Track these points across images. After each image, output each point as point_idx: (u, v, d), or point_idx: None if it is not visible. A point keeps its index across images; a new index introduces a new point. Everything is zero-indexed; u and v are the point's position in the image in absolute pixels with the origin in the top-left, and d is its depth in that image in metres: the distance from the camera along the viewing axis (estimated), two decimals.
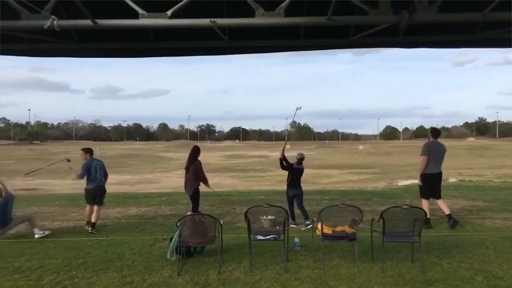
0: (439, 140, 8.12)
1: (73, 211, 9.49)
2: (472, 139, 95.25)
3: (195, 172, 8.01)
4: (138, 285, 4.82)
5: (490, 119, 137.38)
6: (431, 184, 7.77)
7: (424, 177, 7.82)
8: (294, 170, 8.12)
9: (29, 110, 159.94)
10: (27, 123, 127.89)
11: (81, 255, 6.11)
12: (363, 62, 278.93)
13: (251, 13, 5.33)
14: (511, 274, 5.00)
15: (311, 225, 7.40)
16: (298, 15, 5.74)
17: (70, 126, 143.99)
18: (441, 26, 6.85)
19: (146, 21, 5.38)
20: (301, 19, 5.80)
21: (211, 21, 5.30)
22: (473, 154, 40.39)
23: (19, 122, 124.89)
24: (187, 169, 8.12)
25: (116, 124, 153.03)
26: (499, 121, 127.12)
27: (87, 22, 5.30)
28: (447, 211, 7.75)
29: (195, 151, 8.25)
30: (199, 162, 8.14)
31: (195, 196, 8.08)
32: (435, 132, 8.14)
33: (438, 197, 7.85)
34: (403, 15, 5.20)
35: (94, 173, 7.93)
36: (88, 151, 8.11)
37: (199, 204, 8.31)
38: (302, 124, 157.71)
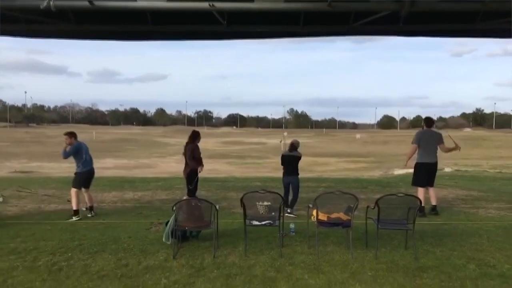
0: (435, 129, 8.15)
1: (69, 194, 9.47)
2: (469, 129, 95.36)
3: (186, 155, 8.06)
4: (133, 268, 4.86)
5: (487, 110, 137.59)
6: (423, 173, 7.84)
7: (417, 165, 7.90)
8: (286, 158, 8.08)
9: (26, 92, 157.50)
10: (24, 105, 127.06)
11: (77, 237, 6.14)
12: (362, 50, 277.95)
13: None
14: (503, 262, 5.07)
15: (291, 215, 7.55)
16: (298, 1, 5.68)
17: (67, 109, 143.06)
18: (441, 15, 6.80)
19: (144, 3, 5.33)
20: (301, 5, 5.76)
21: (210, 5, 5.26)
22: (469, 145, 40.48)
23: (16, 105, 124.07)
24: (184, 153, 8.15)
25: (113, 108, 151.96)
26: (496, 112, 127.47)
27: (84, 3, 5.25)
28: (433, 202, 7.85)
29: (192, 136, 8.24)
30: (191, 146, 8.10)
31: (188, 180, 8.10)
32: (428, 121, 8.18)
33: (430, 184, 7.92)
34: (404, 2, 5.17)
35: (86, 155, 7.70)
36: (73, 135, 7.69)
37: (197, 189, 8.32)
38: (299, 112, 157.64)
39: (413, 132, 8.55)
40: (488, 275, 4.65)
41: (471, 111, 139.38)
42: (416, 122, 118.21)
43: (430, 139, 7.88)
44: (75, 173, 7.75)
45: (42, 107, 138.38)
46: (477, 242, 5.92)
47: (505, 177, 15.19)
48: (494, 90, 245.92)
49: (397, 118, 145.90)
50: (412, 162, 8.10)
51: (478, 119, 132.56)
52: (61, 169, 17.78)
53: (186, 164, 8.08)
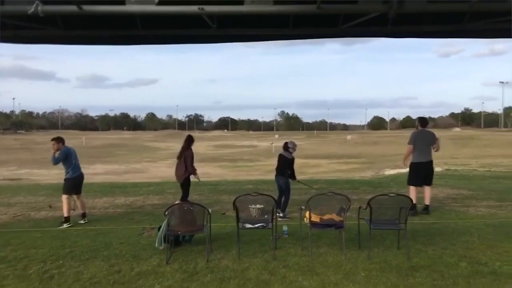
0: (428, 128, 8.25)
1: (59, 201, 9.38)
2: (457, 129, 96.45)
3: (186, 161, 8.03)
4: (126, 274, 4.81)
5: (475, 110, 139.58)
6: (419, 173, 7.92)
7: (413, 165, 7.98)
8: (278, 157, 8.11)
9: (14, 99, 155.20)
10: (12, 112, 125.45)
11: (68, 244, 6.06)
12: (351, 52, 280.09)
13: (240, 1, 5.28)
14: (494, 260, 5.12)
15: (282, 218, 7.48)
16: (287, 3, 5.70)
17: (56, 115, 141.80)
18: (429, 16, 6.88)
19: (133, 7, 5.31)
20: (290, 7, 5.77)
21: (199, 8, 5.25)
22: (458, 144, 40.96)
23: (3, 111, 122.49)
24: (180, 157, 8.14)
25: (103, 113, 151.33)
26: (484, 112, 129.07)
27: (73, 7, 5.21)
28: (427, 201, 7.94)
29: (189, 140, 8.26)
30: (191, 152, 8.17)
31: (185, 184, 8.10)
32: (423, 121, 8.25)
33: (428, 183, 7.98)
34: (392, 4, 5.21)
35: (75, 161, 7.59)
36: (61, 140, 7.57)
37: (189, 193, 8.32)
38: (290, 114, 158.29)
39: (404, 133, 8.68)
40: (479, 273, 4.70)
41: (459, 111, 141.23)
42: (406, 122, 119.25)
43: (425, 139, 7.98)
44: (65, 180, 7.63)
45: (30, 113, 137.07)
46: (468, 240, 5.98)
47: (494, 175, 15.38)
48: (482, 89, 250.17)
49: (387, 119, 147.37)
50: (409, 162, 8.17)
51: (467, 118, 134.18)
52: (50, 176, 17.60)
53: (186, 169, 8.05)
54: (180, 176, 8.09)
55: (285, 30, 7.17)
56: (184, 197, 8.07)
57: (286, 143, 8.12)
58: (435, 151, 8.11)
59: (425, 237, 6.12)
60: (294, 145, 8.10)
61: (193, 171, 8.16)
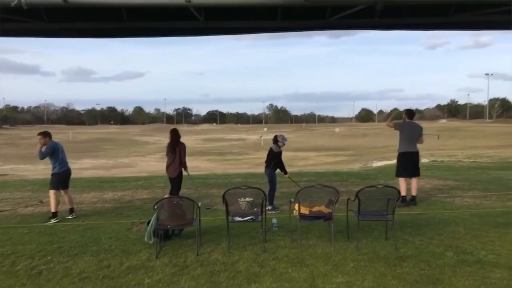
0: (416, 121, 8.34)
1: (46, 196, 9.27)
2: (444, 121, 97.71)
3: (180, 154, 7.98)
4: (115, 269, 4.79)
5: (461, 101, 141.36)
6: (407, 163, 8.00)
7: (400, 156, 8.06)
8: (268, 150, 8.13)
9: None
10: None
11: (56, 240, 6.01)
12: (338, 45, 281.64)
13: None
14: (480, 249, 5.22)
15: (271, 210, 7.49)
16: None
17: (42, 109, 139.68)
18: (416, 9, 6.92)
19: None
20: (278, 0, 5.74)
21: (186, 0, 5.18)
22: (444, 136, 41.49)
23: None
24: (173, 151, 8.04)
25: (89, 107, 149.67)
26: (470, 103, 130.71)
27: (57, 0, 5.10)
28: (414, 193, 8.03)
29: (177, 133, 8.18)
30: (184, 145, 8.12)
31: (178, 179, 8.05)
32: (410, 114, 8.32)
33: (415, 174, 8.07)
34: None
35: (62, 155, 7.53)
36: (48, 134, 7.50)
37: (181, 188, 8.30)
38: (279, 107, 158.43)
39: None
40: (465, 262, 4.78)
41: (445, 103, 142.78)
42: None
43: (412, 131, 8.05)
44: (52, 174, 7.54)
45: (15, 108, 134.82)
46: (454, 230, 6.07)
47: (479, 166, 15.64)
48: (467, 81, 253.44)
49: (375, 111, 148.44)
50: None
51: (453, 110, 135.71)
52: (37, 171, 17.39)
53: (180, 163, 8.00)
54: (175, 170, 8.01)
55: (273, 22, 7.13)
56: (175, 191, 8.02)
57: (275, 136, 8.13)
58: (420, 144, 8.19)
59: (412, 228, 6.21)
60: (284, 139, 8.08)
61: (185, 165, 8.12)
